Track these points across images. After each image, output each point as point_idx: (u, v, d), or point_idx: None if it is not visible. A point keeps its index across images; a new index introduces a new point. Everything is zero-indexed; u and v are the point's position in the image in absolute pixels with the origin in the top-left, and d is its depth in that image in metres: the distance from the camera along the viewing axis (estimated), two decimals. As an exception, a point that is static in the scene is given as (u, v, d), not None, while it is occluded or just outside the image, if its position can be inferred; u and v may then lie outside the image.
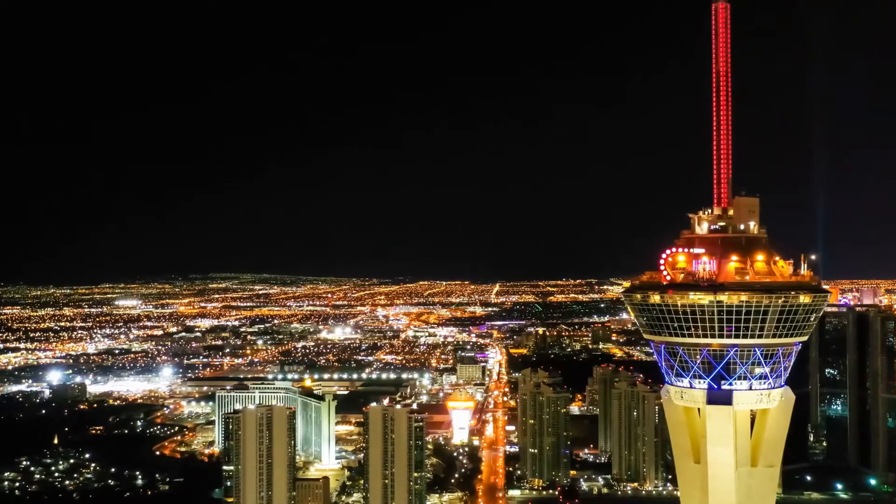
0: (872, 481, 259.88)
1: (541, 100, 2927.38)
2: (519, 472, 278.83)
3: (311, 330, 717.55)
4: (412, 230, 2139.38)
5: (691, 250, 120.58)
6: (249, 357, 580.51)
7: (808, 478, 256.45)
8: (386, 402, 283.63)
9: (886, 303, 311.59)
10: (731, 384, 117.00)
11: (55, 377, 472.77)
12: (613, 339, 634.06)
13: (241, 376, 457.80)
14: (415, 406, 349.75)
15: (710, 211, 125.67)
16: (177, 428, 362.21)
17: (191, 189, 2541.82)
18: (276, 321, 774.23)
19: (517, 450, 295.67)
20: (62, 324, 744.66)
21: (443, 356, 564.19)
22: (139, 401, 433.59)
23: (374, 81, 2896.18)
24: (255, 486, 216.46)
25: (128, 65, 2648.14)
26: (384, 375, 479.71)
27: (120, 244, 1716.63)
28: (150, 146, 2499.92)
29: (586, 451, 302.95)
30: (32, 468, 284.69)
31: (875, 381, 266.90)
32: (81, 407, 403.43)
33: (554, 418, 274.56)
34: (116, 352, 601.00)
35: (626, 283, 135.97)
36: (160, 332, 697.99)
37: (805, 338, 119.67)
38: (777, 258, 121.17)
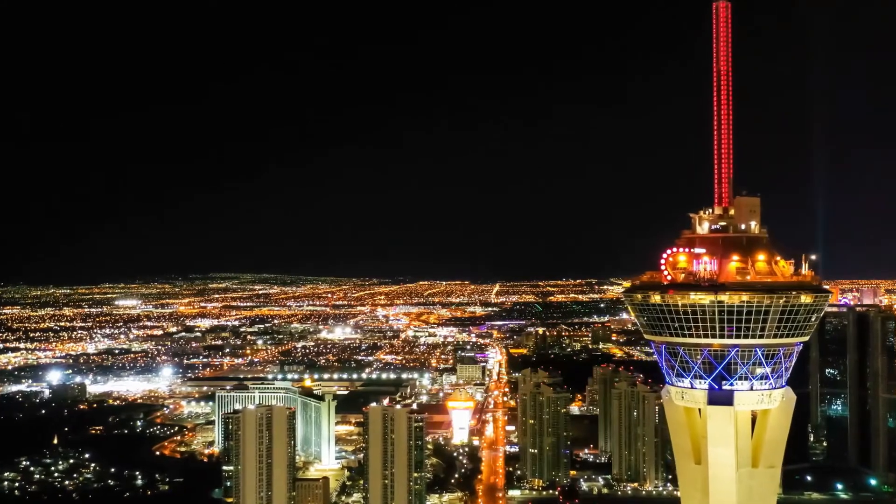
0: (873, 481, 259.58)
1: (541, 100, 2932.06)
2: (519, 472, 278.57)
3: (311, 330, 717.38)
4: (412, 230, 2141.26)
5: (692, 250, 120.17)
6: (249, 357, 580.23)
7: (809, 478, 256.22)
8: (386, 402, 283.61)
9: (886, 303, 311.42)
10: (732, 385, 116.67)
11: (55, 377, 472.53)
12: (613, 339, 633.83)
13: (241, 376, 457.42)
14: (415, 406, 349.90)
15: (710, 210, 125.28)
16: (176, 428, 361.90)
17: (191, 189, 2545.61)
18: (276, 321, 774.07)
19: (517, 450, 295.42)
20: (62, 324, 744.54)
21: (443, 356, 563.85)
22: (139, 401, 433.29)
23: (374, 81, 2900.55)
24: (255, 486, 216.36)
25: (128, 65, 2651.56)
26: (384, 375, 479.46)
27: (120, 244, 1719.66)
28: (150, 146, 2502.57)
29: (586, 451, 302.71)
30: (32, 468, 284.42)
31: (875, 381, 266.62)
32: (81, 407, 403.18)
33: (554, 418, 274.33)
34: (116, 352, 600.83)
35: (627, 283, 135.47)
36: (160, 332, 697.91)
37: (806, 338, 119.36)
38: (778, 258, 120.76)
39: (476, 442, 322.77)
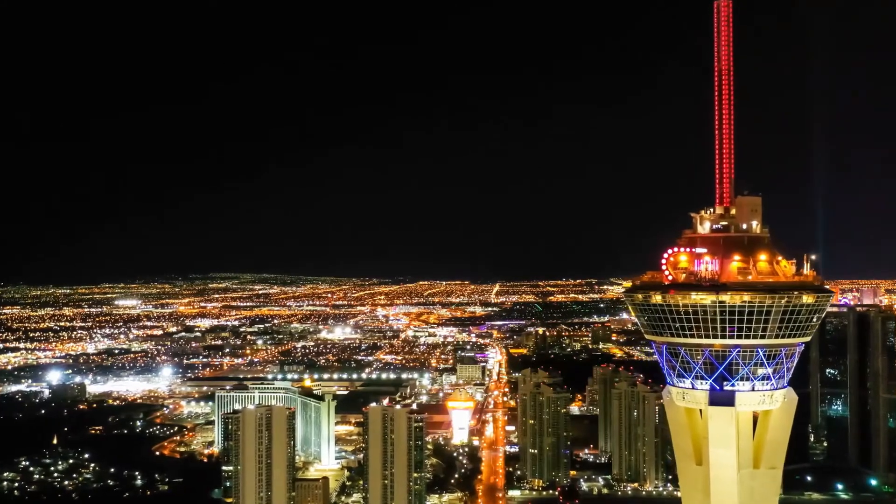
0: (873, 482, 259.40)
1: (541, 100, 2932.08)
2: (519, 472, 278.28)
3: (311, 330, 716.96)
4: (412, 230, 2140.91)
5: (693, 250, 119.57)
6: (249, 357, 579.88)
7: (809, 478, 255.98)
8: (386, 402, 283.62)
9: (887, 303, 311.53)
10: (733, 385, 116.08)
11: (55, 377, 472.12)
12: (613, 339, 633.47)
13: (241, 376, 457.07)
14: (415, 406, 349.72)
15: (712, 210, 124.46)
16: (176, 428, 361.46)
17: (191, 189, 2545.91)
18: (275, 321, 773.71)
19: (517, 450, 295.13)
20: (62, 324, 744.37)
21: (443, 356, 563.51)
22: (139, 401, 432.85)
23: (374, 81, 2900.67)
24: (255, 486, 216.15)
25: (128, 65, 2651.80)
26: (384, 375, 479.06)
27: (120, 244, 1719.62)
28: (150, 146, 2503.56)
29: (586, 451, 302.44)
30: (32, 468, 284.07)
31: (876, 381, 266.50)
32: (81, 407, 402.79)
33: (554, 418, 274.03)
34: (116, 352, 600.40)
35: (627, 283, 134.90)
36: (160, 332, 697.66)
37: (808, 338, 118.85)
38: (780, 258, 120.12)
39: (476, 442, 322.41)
